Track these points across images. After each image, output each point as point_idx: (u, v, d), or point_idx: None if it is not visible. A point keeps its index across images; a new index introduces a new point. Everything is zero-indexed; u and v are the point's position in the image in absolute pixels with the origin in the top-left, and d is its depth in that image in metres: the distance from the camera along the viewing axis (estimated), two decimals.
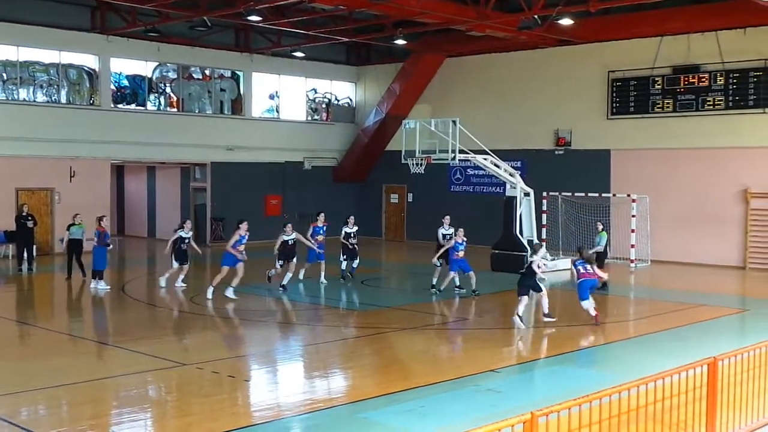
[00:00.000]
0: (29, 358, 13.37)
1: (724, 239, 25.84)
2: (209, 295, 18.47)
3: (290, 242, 20.13)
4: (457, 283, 19.75)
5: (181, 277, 20.50)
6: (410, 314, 17.76)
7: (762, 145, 25.04)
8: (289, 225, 20.59)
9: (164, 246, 21.16)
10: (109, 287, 20.19)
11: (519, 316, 15.71)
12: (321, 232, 21.08)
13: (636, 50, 27.39)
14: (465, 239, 19.51)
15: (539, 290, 16.20)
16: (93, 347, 14.06)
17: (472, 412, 9.86)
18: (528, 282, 15.99)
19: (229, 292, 18.40)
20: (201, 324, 16.62)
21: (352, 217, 22.07)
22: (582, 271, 15.93)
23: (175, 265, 20.38)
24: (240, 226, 18.82)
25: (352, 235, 21.47)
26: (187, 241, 20.28)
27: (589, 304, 15.76)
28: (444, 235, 20.57)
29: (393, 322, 16.90)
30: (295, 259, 20.19)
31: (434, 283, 19.93)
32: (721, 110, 25.85)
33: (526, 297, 15.92)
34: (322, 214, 21.29)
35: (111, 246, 20.98)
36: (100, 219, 20.75)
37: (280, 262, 20.18)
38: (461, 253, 19.31)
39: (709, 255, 25.97)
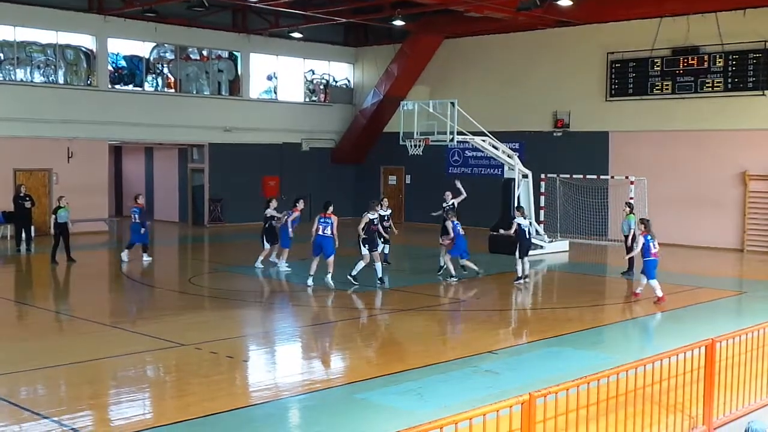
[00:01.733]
0: (28, 338, 13.38)
1: (723, 222, 25.86)
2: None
3: (375, 222, 18.27)
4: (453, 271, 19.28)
5: (283, 258, 20.35)
6: (408, 296, 17.78)
7: (761, 127, 25.01)
8: (385, 200, 20.97)
9: (163, 227, 21.29)
10: (151, 258, 21.68)
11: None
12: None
13: (635, 32, 27.29)
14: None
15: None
16: (92, 327, 14.06)
17: (470, 394, 9.89)
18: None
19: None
20: (199, 304, 16.63)
21: (385, 200, 21.77)
22: (653, 249, 16.07)
23: (267, 246, 20.44)
24: (297, 204, 19.15)
25: (386, 218, 20.54)
26: (275, 220, 20.30)
27: (656, 284, 16.07)
28: (444, 207, 20.42)
29: (391, 304, 16.92)
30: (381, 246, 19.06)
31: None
32: (720, 92, 25.79)
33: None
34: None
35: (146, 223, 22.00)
36: (136, 197, 22.24)
37: (366, 248, 18.03)
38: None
39: (707, 237, 26.00)
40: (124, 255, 21.48)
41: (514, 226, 18.65)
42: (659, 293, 16.10)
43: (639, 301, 16.68)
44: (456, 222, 19.03)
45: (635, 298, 16.45)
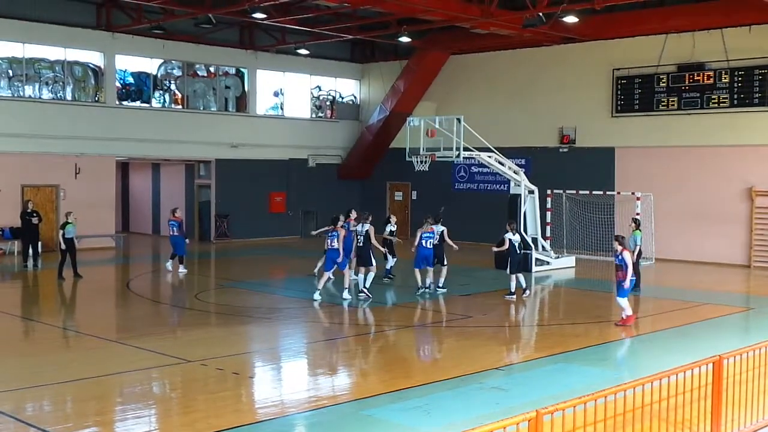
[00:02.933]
0: (34, 354, 13.40)
1: (729, 237, 25.80)
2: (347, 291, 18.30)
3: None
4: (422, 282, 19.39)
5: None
6: (414, 312, 17.75)
7: (766, 143, 24.99)
8: (392, 216, 21.37)
9: (170, 243, 21.53)
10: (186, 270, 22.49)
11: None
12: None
13: (641, 48, 27.34)
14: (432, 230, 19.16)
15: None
16: (98, 343, 14.08)
17: (476, 410, 9.86)
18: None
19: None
20: (205, 320, 16.64)
21: (392, 216, 22.03)
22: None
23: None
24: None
25: (391, 233, 21.03)
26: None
27: (626, 303, 15.72)
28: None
29: (397, 320, 16.91)
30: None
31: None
32: (726, 108, 25.79)
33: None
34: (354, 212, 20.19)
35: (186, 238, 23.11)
36: (174, 211, 23.04)
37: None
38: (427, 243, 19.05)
39: (714, 253, 25.93)
40: (169, 265, 22.59)
41: (506, 242, 18.67)
42: (628, 313, 15.73)
43: (643, 318, 16.61)
44: (428, 233, 19.00)
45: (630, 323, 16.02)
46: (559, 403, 6.66)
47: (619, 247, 15.63)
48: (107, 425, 9.65)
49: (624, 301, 15.55)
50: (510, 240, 18.71)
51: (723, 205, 25.88)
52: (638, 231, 19.92)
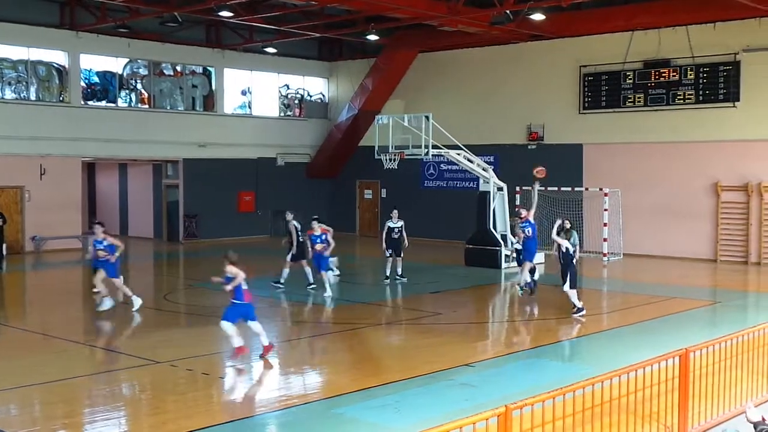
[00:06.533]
0: (1, 357, 13.22)
1: (696, 232, 26.08)
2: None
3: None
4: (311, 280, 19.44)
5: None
6: (384, 309, 17.75)
7: (732, 138, 25.29)
8: (395, 212, 20.95)
9: (138, 243, 21.14)
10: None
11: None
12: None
13: (607, 45, 27.55)
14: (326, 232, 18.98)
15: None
16: (65, 346, 13.93)
17: (446, 407, 9.88)
18: None
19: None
20: (174, 321, 16.52)
21: (395, 211, 21.30)
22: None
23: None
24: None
25: (396, 230, 20.69)
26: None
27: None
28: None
29: (367, 318, 16.90)
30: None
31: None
32: (691, 104, 26.06)
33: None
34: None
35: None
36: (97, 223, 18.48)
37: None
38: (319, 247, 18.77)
39: (681, 248, 26.20)
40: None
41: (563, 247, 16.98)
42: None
43: (613, 312, 16.75)
44: (316, 236, 18.72)
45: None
46: (528, 398, 6.69)
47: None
48: (76, 428, 9.55)
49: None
50: (566, 249, 16.48)
51: (689, 200, 26.16)
52: (571, 230, 19.98)
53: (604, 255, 25.88)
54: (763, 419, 6.70)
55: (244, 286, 12.53)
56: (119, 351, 13.11)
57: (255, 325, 12.71)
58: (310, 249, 19.05)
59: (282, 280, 19.46)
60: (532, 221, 18.82)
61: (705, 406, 9.09)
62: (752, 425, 6.76)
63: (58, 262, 23.07)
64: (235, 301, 12.59)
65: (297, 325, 16.33)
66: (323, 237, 18.63)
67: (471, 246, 24.05)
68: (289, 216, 19.81)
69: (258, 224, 33.11)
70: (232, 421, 9.73)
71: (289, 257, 19.52)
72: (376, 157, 23.56)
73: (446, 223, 30.56)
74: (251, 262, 21.14)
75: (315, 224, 18.83)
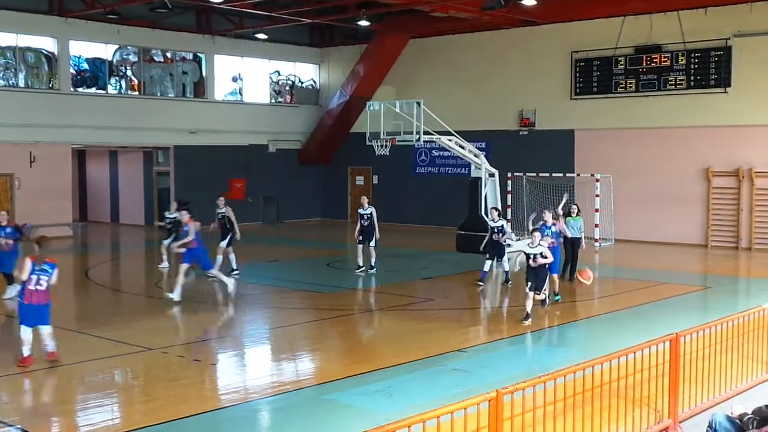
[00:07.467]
0: None
1: (687, 218, 26.15)
2: None
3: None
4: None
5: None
6: (376, 296, 17.76)
7: (723, 124, 25.33)
8: (364, 198, 20.47)
9: (129, 231, 21.05)
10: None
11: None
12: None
13: (599, 30, 27.52)
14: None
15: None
16: (58, 333, 13.87)
17: (438, 392, 9.90)
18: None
19: None
20: (165, 308, 16.49)
21: (364, 197, 21.08)
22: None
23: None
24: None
25: (365, 216, 20.17)
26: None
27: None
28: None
29: (359, 304, 16.92)
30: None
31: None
32: (682, 90, 26.09)
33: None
34: None
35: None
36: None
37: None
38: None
39: (672, 233, 26.27)
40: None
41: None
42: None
43: (605, 298, 16.79)
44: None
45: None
46: (519, 383, 6.71)
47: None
48: (69, 415, 9.55)
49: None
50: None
51: (681, 186, 26.22)
52: (578, 216, 19.57)
53: (596, 240, 25.91)
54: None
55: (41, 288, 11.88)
56: (111, 338, 13.08)
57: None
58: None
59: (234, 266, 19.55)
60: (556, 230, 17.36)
61: (695, 390, 9.13)
62: (738, 419, 7.02)
63: (49, 249, 22.87)
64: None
65: (289, 312, 16.32)
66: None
67: (463, 232, 24.05)
68: (221, 201, 20.35)
69: (249, 211, 33.02)
70: (224, 407, 9.74)
71: (224, 243, 19.79)
72: (368, 143, 23.54)
73: (438, 209, 30.57)
74: (244, 249, 21.18)
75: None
